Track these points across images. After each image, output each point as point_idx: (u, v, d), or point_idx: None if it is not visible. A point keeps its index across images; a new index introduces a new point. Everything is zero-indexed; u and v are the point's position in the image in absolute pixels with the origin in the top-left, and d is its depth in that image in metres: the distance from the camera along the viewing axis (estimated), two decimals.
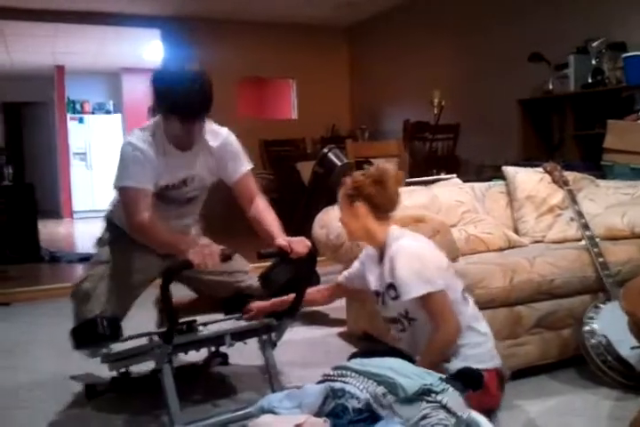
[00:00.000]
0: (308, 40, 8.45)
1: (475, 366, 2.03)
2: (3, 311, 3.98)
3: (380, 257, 2.22)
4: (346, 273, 2.41)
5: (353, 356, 2.23)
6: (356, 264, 2.38)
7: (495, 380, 2.11)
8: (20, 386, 2.78)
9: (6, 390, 2.74)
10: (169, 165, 2.32)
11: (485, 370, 2.06)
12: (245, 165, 2.49)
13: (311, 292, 2.46)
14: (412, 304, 2.10)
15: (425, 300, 2.05)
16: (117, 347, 2.45)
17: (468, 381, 1.90)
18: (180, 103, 2.19)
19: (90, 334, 2.37)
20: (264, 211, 2.44)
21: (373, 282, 2.25)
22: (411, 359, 2.03)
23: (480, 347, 2.12)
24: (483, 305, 2.40)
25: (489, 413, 2.11)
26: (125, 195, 2.27)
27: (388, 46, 7.95)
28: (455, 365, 2.05)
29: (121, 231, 2.48)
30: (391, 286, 2.13)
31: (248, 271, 2.66)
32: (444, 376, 1.85)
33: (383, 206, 2.19)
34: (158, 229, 2.24)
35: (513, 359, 2.45)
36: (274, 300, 2.46)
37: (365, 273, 2.31)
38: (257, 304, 2.46)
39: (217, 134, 2.44)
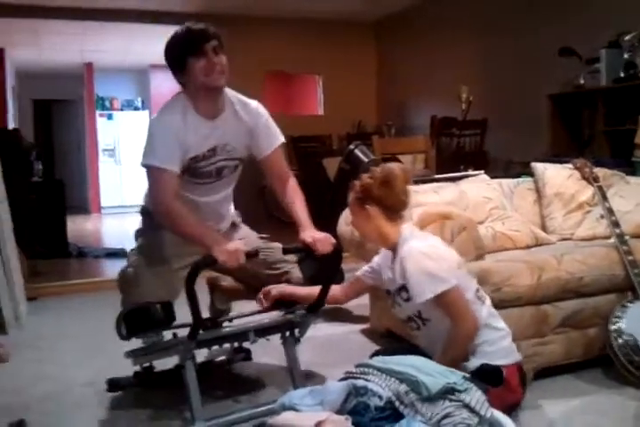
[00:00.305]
0: (334, 35, 8.43)
1: (494, 362, 2.02)
2: (31, 306, 4.03)
3: (393, 257, 2.21)
4: (366, 267, 2.40)
5: (375, 354, 2.22)
6: (375, 260, 2.36)
7: (516, 375, 2.08)
8: (45, 379, 2.81)
9: (31, 383, 2.77)
10: (197, 134, 2.28)
11: (505, 366, 2.04)
12: (279, 139, 2.47)
13: (332, 289, 2.41)
14: (424, 305, 2.07)
15: (440, 298, 2.03)
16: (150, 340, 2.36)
17: (487, 377, 1.89)
18: (186, 35, 2.26)
19: (144, 321, 2.30)
20: (295, 197, 2.42)
21: (386, 282, 2.25)
22: (430, 357, 2.01)
23: (498, 343, 2.10)
24: (509, 303, 2.38)
25: (512, 409, 2.08)
26: (151, 174, 2.24)
27: (415, 41, 7.89)
28: (474, 363, 2.03)
29: (155, 221, 2.40)
30: (403, 288, 2.12)
31: (290, 261, 2.59)
32: (467, 375, 1.82)
33: (393, 207, 2.19)
34: (185, 217, 2.20)
35: (538, 358, 2.42)
36: (299, 289, 2.42)
37: (381, 272, 2.30)
38: (279, 289, 2.38)
39: (246, 104, 2.41)
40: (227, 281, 2.83)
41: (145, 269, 2.38)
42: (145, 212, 2.54)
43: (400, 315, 2.23)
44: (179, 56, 2.27)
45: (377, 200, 2.16)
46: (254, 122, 2.41)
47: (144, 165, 2.25)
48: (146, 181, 2.30)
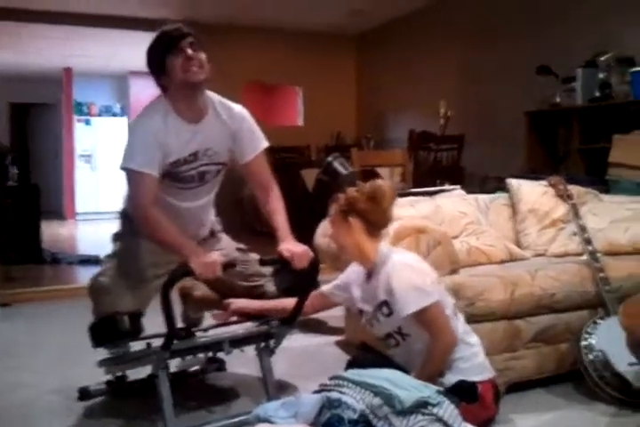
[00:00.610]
0: (316, 47, 8.48)
1: (469, 378, 2.04)
2: (3, 312, 3.98)
3: (369, 275, 2.21)
4: (331, 286, 2.39)
5: (350, 363, 2.23)
6: (342, 278, 2.36)
7: (490, 391, 2.11)
8: (16, 386, 2.78)
9: (2, 390, 2.73)
10: (179, 137, 2.26)
11: (480, 382, 2.07)
12: (263, 143, 2.45)
13: (288, 302, 2.39)
14: (405, 320, 2.09)
15: (422, 313, 2.04)
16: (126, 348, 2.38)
17: (463, 394, 1.91)
18: (162, 35, 2.28)
19: (110, 331, 2.30)
20: (277, 206, 2.40)
21: (359, 300, 2.25)
22: (406, 371, 2.03)
23: (472, 359, 2.12)
24: (482, 318, 2.40)
25: (486, 425, 2.10)
26: (130, 177, 2.21)
27: (396, 55, 7.97)
28: (450, 379, 2.06)
29: (134, 225, 2.38)
30: (384, 304, 2.12)
31: (266, 274, 2.60)
32: (441, 389, 1.84)
33: (376, 223, 2.18)
34: (164, 224, 2.17)
35: (510, 373, 2.44)
36: (265, 303, 2.42)
37: (351, 290, 2.30)
38: (242, 304, 2.39)
39: (230, 108, 2.39)
40: (200, 290, 2.80)
41: (117, 277, 2.34)
42: (124, 215, 2.50)
43: (378, 332, 2.22)
44: (157, 57, 2.27)
45: (361, 214, 2.16)
46: (238, 126, 2.38)
47: (123, 169, 2.21)
48: (125, 185, 2.27)
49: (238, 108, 2.43)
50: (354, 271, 2.32)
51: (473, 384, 2.04)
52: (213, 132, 2.33)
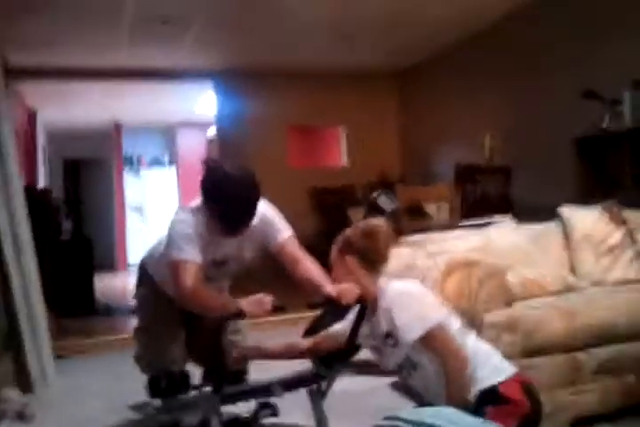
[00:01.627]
0: (356, 87, 8.54)
1: (490, 383, 2.01)
2: (58, 363, 4.00)
3: (372, 310, 2.20)
4: (339, 325, 2.37)
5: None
6: (350, 318, 2.32)
7: (516, 388, 2.03)
8: None
9: None
10: (213, 244, 2.36)
11: (500, 383, 2.02)
12: (285, 233, 2.48)
13: (299, 343, 2.48)
14: (412, 348, 2.08)
15: (426, 337, 2.04)
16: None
17: (488, 401, 1.93)
18: (228, 221, 2.28)
19: (164, 386, 2.45)
20: (310, 267, 2.41)
21: (366, 337, 2.24)
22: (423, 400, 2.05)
23: (486, 365, 2.07)
24: (541, 351, 2.31)
25: (531, 423, 2.01)
26: (175, 267, 2.27)
27: (437, 90, 7.98)
28: (473, 392, 2.02)
29: (151, 284, 2.63)
30: (389, 335, 2.12)
31: (242, 330, 2.73)
32: None
33: (373, 260, 2.20)
34: (206, 296, 2.24)
35: (573, 407, 2.34)
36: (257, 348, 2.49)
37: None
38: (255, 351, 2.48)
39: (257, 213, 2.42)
40: None
41: (152, 356, 2.59)
42: (143, 267, 2.73)
43: (390, 365, 2.21)
44: (214, 214, 2.29)
45: (357, 251, 2.19)
46: (261, 224, 2.42)
47: (170, 262, 2.30)
48: (170, 273, 2.33)
49: (262, 208, 2.44)
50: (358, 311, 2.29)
51: (493, 388, 2.00)
52: (245, 241, 2.43)
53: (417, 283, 2.25)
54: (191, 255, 2.25)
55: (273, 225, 2.46)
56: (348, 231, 2.25)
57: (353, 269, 2.20)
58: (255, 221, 2.39)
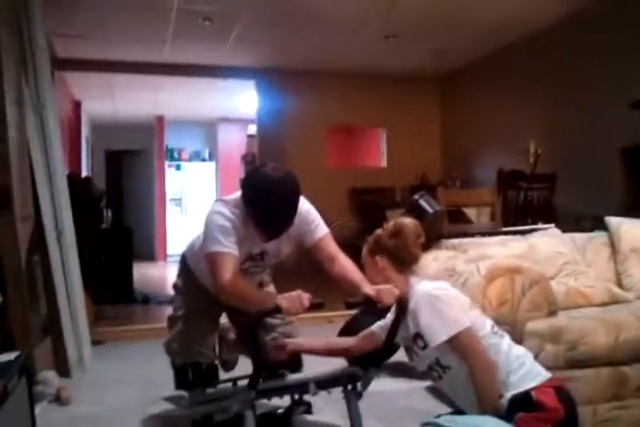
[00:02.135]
0: (398, 90, 8.51)
1: (523, 388, 1.96)
2: (95, 349, 4.06)
3: (403, 311, 2.18)
4: (380, 323, 2.35)
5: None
6: (388, 316, 2.31)
7: (550, 394, 1.97)
8: (104, 424, 2.81)
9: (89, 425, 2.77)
10: (249, 239, 2.35)
11: (534, 388, 1.97)
12: (322, 232, 2.47)
13: (343, 341, 2.48)
14: (441, 351, 2.05)
15: (453, 341, 2.01)
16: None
17: (520, 407, 1.89)
18: (266, 226, 2.28)
19: (191, 377, 2.51)
20: (347, 266, 2.40)
21: (400, 337, 2.24)
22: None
23: (520, 370, 2.02)
24: (584, 363, 2.26)
25: None
26: (213, 259, 2.27)
27: (481, 94, 7.89)
28: (506, 397, 1.98)
29: (192, 277, 2.63)
30: (417, 336, 2.10)
31: (293, 335, 2.67)
32: None
33: (402, 259, 2.20)
34: (244, 289, 2.24)
35: (618, 423, 2.27)
36: (315, 344, 2.47)
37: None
38: (292, 346, 2.42)
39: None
40: (231, 334, 2.96)
41: (187, 338, 2.57)
42: (184, 262, 2.73)
43: (420, 366, 2.19)
44: (253, 218, 2.28)
45: (386, 251, 2.19)
46: (299, 221, 2.40)
47: (207, 254, 2.28)
48: (208, 267, 2.31)
49: (304, 207, 2.43)
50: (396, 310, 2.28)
51: (526, 393, 1.95)
52: (284, 237, 2.41)
53: (447, 285, 2.22)
54: (228, 248, 2.24)
55: (311, 223, 2.45)
56: (378, 231, 2.25)
57: (383, 269, 2.20)
58: (300, 213, 2.38)
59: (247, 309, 2.25)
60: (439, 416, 2.03)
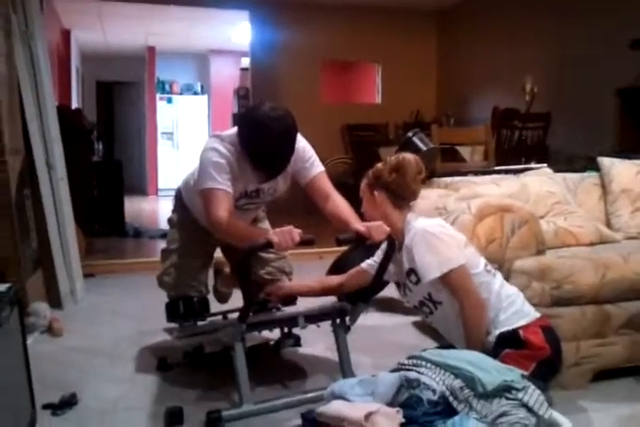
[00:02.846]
0: (395, 24, 8.28)
1: (512, 327, 2.02)
2: (87, 282, 4.10)
3: (399, 245, 2.20)
4: (370, 261, 2.38)
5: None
6: (378, 253, 2.33)
7: (538, 332, 2.04)
8: (97, 354, 2.87)
9: (84, 358, 2.82)
10: (244, 176, 2.32)
11: (522, 327, 2.03)
12: (317, 170, 2.44)
13: (329, 279, 2.53)
14: (433, 286, 2.09)
15: (446, 277, 2.04)
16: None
17: (507, 343, 1.96)
18: (263, 165, 2.24)
19: (182, 310, 2.53)
20: (340, 203, 2.39)
21: (393, 272, 2.28)
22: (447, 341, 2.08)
23: (510, 308, 2.08)
24: (569, 301, 2.30)
25: (550, 368, 2.03)
26: (207, 196, 2.26)
27: (478, 30, 7.71)
28: (494, 334, 2.04)
29: (187, 212, 2.62)
30: (411, 271, 2.13)
31: (288, 272, 2.72)
32: (526, 373, 1.76)
33: (401, 195, 2.20)
34: (238, 226, 2.24)
35: (597, 359, 2.33)
36: (302, 287, 2.53)
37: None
38: (291, 289, 2.54)
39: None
40: (228, 268, 3.00)
41: (181, 272, 2.57)
42: (179, 197, 2.73)
43: (412, 301, 2.24)
44: (248, 157, 2.23)
45: (385, 186, 2.19)
46: (301, 165, 2.40)
47: (201, 190, 2.27)
48: (201, 202, 2.31)
49: (300, 144, 2.38)
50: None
51: (514, 331, 2.02)
52: (280, 175, 2.38)
53: (443, 222, 2.24)
54: (222, 185, 2.23)
55: (307, 160, 2.42)
56: (379, 166, 2.23)
57: (381, 204, 2.20)
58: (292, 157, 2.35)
59: (240, 245, 2.25)
60: (425, 350, 2.07)
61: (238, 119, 2.35)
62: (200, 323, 2.59)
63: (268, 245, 2.06)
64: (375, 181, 2.21)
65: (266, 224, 2.79)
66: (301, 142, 2.39)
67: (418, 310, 2.26)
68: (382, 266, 2.28)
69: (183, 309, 2.53)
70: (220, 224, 2.21)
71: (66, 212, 3.86)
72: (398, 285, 2.30)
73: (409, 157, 2.22)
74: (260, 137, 2.20)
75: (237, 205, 2.40)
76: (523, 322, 2.05)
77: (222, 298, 2.98)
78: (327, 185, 2.46)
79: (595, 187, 3.29)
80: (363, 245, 2.25)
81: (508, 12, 7.08)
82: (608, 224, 3.12)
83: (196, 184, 2.35)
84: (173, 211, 2.74)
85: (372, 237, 2.18)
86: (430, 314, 2.19)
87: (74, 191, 4.07)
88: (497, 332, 2.04)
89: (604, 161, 3.34)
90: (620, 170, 3.24)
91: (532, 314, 2.10)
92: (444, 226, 2.19)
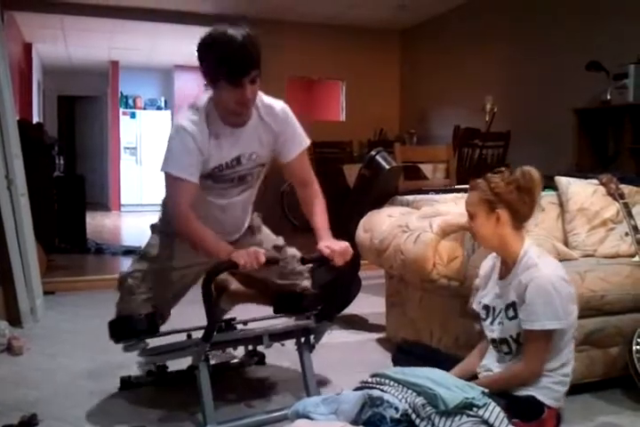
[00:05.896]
0: (359, 42, 8.42)
1: (544, 399, 1.93)
2: (47, 300, 4.04)
3: (506, 269, 2.05)
4: (475, 298, 2.23)
5: (398, 350, 2.20)
6: (480, 277, 2.22)
7: (553, 420, 1.97)
8: (57, 373, 2.82)
9: (44, 377, 2.78)
10: (221, 145, 2.23)
11: (549, 407, 1.94)
12: (304, 143, 2.40)
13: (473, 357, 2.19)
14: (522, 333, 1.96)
15: (539, 333, 1.90)
16: (156, 342, 2.46)
17: (524, 409, 1.85)
18: (225, 57, 2.10)
19: (126, 329, 2.36)
20: (316, 205, 2.36)
21: (488, 296, 2.10)
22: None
23: (556, 386, 1.97)
24: None
25: None
26: (169, 181, 2.20)
27: (441, 50, 7.87)
28: (525, 391, 1.94)
29: (171, 221, 2.38)
30: (512, 305, 1.97)
31: (304, 273, 2.55)
32: (486, 390, 1.79)
33: (523, 215, 2.01)
34: (200, 229, 2.16)
35: None
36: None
37: (484, 283, 2.16)
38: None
39: (272, 108, 2.33)
40: (235, 284, 2.84)
41: (146, 281, 2.35)
42: (164, 206, 2.50)
43: (496, 334, 2.04)
44: (213, 74, 2.15)
45: (509, 205, 1.97)
46: (281, 128, 2.34)
47: (165, 172, 2.20)
48: (164, 186, 2.26)
49: (280, 106, 2.36)
50: (489, 264, 2.17)
51: (541, 405, 1.92)
52: (257, 135, 2.30)
53: (567, 277, 2.01)
54: (187, 173, 2.15)
55: (294, 130, 2.36)
56: (498, 181, 1.98)
57: (502, 223, 1.98)
58: (272, 117, 2.31)
59: (197, 248, 2.18)
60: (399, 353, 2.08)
61: (198, 47, 2.22)
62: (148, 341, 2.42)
63: (233, 266, 2.05)
64: (496, 198, 1.97)
65: (263, 233, 2.63)
66: (282, 104, 2.36)
67: (494, 344, 2.06)
68: (346, 285, 2.30)
69: (132, 326, 2.34)
70: (185, 218, 2.15)
71: (26, 228, 3.81)
72: (487, 308, 2.09)
73: (536, 174, 1.99)
74: (220, 40, 2.15)
75: (225, 180, 2.29)
76: (554, 404, 1.95)
77: (221, 313, 2.78)
78: (307, 171, 2.42)
79: (552, 206, 3.36)
80: (327, 266, 2.27)
81: (470, 33, 7.26)
82: (565, 242, 3.19)
83: (162, 163, 2.21)
84: (160, 220, 2.55)
85: (335, 261, 2.19)
86: (507, 354, 2.01)
87: (34, 207, 4.02)
88: (525, 391, 1.93)
89: (562, 180, 3.42)
90: (577, 189, 3.32)
91: (562, 403, 1.99)
92: (566, 279, 1.98)
